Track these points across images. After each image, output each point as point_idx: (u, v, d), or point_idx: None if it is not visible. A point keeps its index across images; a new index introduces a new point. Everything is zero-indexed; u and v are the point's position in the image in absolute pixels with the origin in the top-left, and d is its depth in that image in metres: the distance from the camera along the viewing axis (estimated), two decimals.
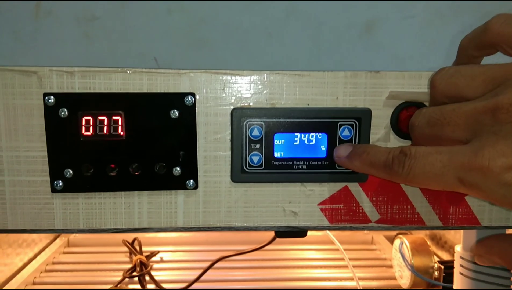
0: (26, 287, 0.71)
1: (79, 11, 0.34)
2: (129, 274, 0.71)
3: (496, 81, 0.26)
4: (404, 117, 0.34)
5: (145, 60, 0.34)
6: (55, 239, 0.88)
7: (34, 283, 0.73)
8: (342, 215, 0.36)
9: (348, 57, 0.35)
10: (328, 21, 0.34)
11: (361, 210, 0.36)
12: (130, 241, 0.78)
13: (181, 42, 0.34)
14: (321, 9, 0.34)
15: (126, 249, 0.78)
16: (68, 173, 0.34)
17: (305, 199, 0.36)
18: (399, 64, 0.35)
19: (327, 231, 0.81)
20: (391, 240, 0.76)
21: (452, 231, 0.73)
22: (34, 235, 0.81)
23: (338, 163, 0.35)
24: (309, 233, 0.85)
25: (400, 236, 0.71)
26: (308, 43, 0.35)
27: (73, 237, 0.88)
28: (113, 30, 0.34)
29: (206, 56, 0.34)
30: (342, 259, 0.76)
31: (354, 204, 0.36)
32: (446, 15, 0.35)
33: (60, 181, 0.34)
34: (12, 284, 0.69)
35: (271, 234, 0.52)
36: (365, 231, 0.91)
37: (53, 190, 0.34)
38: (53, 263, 0.80)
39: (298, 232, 0.37)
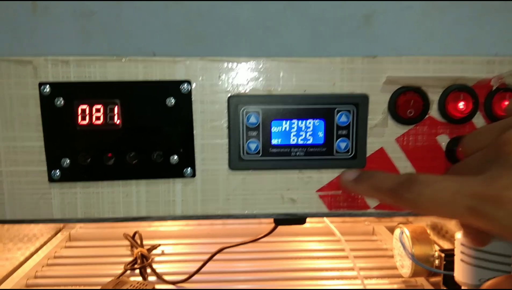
0: (28, 281, 0.71)
1: (76, 7, 0.33)
2: (130, 266, 0.71)
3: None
4: (401, 102, 0.34)
5: (143, 55, 0.34)
6: (56, 233, 0.88)
7: (36, 277, 0.73)
8: (341, 202, 0.36)
9: (348, 48, 0.35)
10: (327, 13, 0.34)
11: (359, 196, 0.36)
12: (131, 234, 0.78)
13: (179, 36, 0.34)
14: (319, 1, 0.34)
15: (127, 243, 0.78)
16: (65, 163, 0.34)
17: (303, 186, 0.36)
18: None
19: (328, 222, 0.81)
20: (392, 231, 0.76)
21: (453, 220, 0.73)
22: (36, 230, 0.81)
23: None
24: (310, 224, 0.86)
25: (400, 225, 0.71)
26: (307, 35, 0.34)
27: (74, 231, 0.89)
28: (110, 25, 0.34)
29: (204, 50, 0.34)
30: (343, 249, 0.76)
31: None
32: (444, 6, 0.34)
33: (58, 171, 0.34)
34: (14, 278, 0.70)
35: (273, 227, 0.52)
36: (366, 222, 0.91)
37: (51, 179, 0.34)
38: (55, 257, 0.80)
39: (297, 219, 0.37)
